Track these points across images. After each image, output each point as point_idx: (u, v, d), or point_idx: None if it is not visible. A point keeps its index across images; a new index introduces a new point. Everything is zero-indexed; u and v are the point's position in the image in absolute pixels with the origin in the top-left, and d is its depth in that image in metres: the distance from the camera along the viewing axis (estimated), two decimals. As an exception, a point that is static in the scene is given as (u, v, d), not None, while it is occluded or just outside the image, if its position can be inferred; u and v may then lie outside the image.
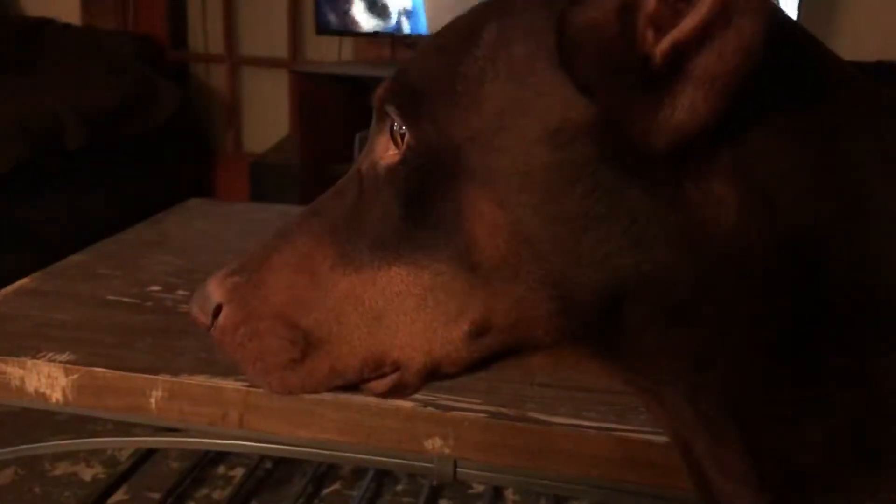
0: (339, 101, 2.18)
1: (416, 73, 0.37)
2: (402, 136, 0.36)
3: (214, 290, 0.40)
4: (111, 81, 2.19)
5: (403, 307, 0.36)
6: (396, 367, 0.37)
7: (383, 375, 0.38)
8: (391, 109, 0.36)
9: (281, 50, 2.53)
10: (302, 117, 2.19)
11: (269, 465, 1.28)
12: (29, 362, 0.82)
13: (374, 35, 2.24)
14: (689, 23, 0.29)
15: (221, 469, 1.28)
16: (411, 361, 0.37)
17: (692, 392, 0.34)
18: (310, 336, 0.38)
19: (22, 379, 0.83)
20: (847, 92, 0.33)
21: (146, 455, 1.26)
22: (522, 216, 0.32)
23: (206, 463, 1.28)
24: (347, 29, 2.22)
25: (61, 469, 1.27)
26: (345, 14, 2.18)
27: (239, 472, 1.26)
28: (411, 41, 2.19)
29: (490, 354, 0.36)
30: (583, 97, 0.31)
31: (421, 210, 0.35)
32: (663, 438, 0.70)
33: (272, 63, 2.54)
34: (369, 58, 2.42)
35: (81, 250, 1.14)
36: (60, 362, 0.81)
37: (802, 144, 0.31)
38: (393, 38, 2.29)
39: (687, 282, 0.32)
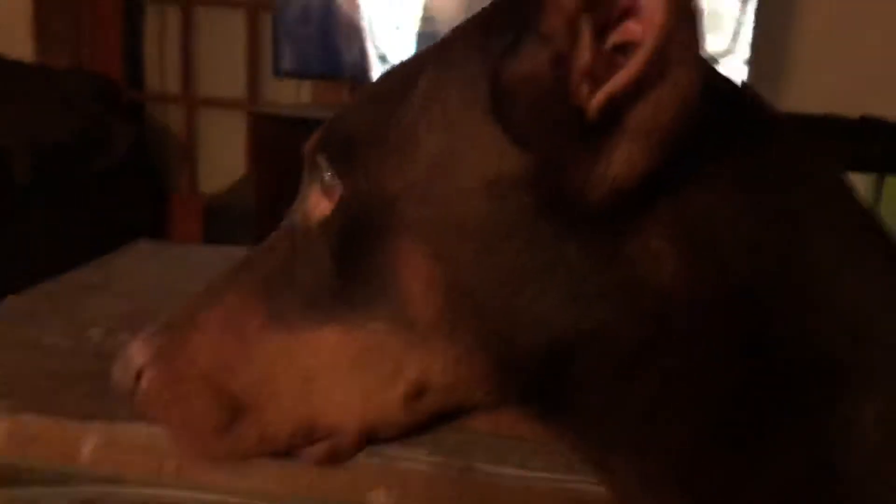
0: (296, 144, 2.16)
1: (350, 122, 0.36)
2: (334, 187, 0.35)
3: (137, 352, 0.38)
4: (63, 119, 2.16)
5: (337, 369, 0.34)
6: (330, 433, 0.35)
7: (317, 441, 0.36)
8: (322, 159, 0.35)
9: (239, 91, 2.52)
10: (259, 159, 2.18)
11: (212, 515, 1.24)
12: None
13: (332, 78, 2.24)
14: (624, 75, 0.28)
15: (163, 520, 1.23)
16: (346, 427, 0.35)
17: (636, 456, 0.33)
18: (238, 400, 0.36)
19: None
20: (782, 143, 0.33)
21: (84, 505, 1.21)
22: (458, 270, 0.31)
23: (146, 514, 1.23)
24: (305, 72, 2.22)
25: (-7, 520, 1.22)
26: (303, 57, 2.19)
27: (181, 524, 1.21)
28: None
29: (429, 417, 0.35)
30: (517, 149, 0.30)
31: (354, 265, 0.33)
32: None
33: (230, 104, 2.53)
34: (328, 101, 2.42)
35: (23, 291, 1.11)
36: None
37: (740, 197, 0.31)
38: (352, 83, 2.30)
39: (628, 339, 0.31)
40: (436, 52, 0.35)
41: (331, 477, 0.70)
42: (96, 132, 2.19)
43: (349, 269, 0.34)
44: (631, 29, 0.28)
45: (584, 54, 0.29)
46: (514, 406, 0.34)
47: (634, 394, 0.32)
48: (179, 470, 0.73)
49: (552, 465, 0.70)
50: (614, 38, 0.29)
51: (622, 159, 0.29)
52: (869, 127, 1.99)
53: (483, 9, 0.34)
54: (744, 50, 2.03)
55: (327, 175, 0.35)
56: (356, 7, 2.14)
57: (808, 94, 2.16)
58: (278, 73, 2.22)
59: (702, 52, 0.29)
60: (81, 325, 0.98)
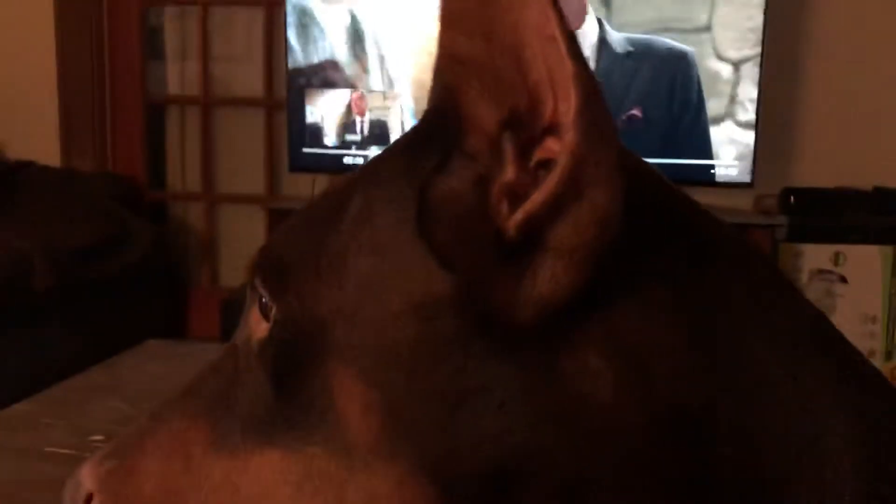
0: (312, 236, 2.20)
1: (284, 245, 0.36)
2: (270, 309, 0.34)
3: (86, 477, 0.38)
4: (85, 221, 2.22)
5: (279, 496, 0.33)
6: None
7: None
8: (258, 282, 0.35)
9: (257, 187, 2.57)
10: (276, 252, 2.20)
11: None
12: (-49, 523, 0.78)
13: (344, 172, 2.29)
14: (540, 195, 0.28)
15: None
16: None
17: None
18: None
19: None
20: (721, 256, 0.32)
21: None
22: (392, 393, 0.31)
23: None
24: (321, 167, 2.27)
25: None
26: (318, 152, 2.24)
27: None
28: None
29: None
30: (444, 270, 0.30)
31: (291, 388, 0.33)
32: None
33: (248, 199, 2.58)
34: (343, 193, 2.46)
35: (29, 398, 1.11)
36: (-17, 524, 0.77)
37: (676, 314, 0.30)
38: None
39: (569, 461, 0.30)
40: (367, 171, 0.35)
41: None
42: (118, 234, 2.24)
43: (285, 392, 0.33)
44: (550, 146, 0.28)
45: (508, 172, 0.29)
46: None
47: None
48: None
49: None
50: (538, 154, 0.28)
51: (546, 278, 0.29)
52: (882, 198, 1.98)
53: (410, 128, 0.34)
54: (742, 114, 2.05)
55: (263, 298, 0.35)
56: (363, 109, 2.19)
57: (819, 166, 2.16)
58: (294, 167, 2.27)
59: (618, 171, 0.28)
60: (83, 431, 0.98)
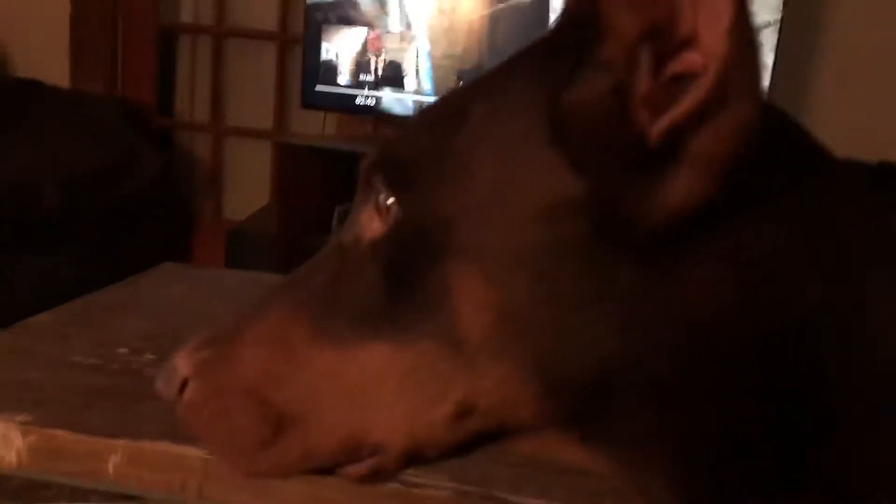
0: (320, 174, 2.20)
1: (406, 146, 0.37)
2: (388, 208, 0.35)
3: (181, 364, 0.39)
4: (94, 146, 2.20)
5: (384, 386, 0.34)
6: (375, 451, 0.36)
7: (360, 459, 0.36)
8: (378, 180, 0.36)
9: (266, 122, 2.56)
10: (283, 188, 2.21)
11: (227, 539, 1.24)
12: (-14, 421, 0.80)
13: (357, 112, 2.28)
14: (687, 104, 0.29)
15: (177, 542, 1.23)
16: (392, 444, 0.35)
17: (678, 485, 0.33)
18: (283, 415, 0.36)
19: (-24, 437, 0.81)
20: (834, 176, 0.34)
21: (100, 524, 1.22)
22: (511, 294, 0.32)
23: (162, 535, 1.23)
24: (332, 105, 2.26)
25: (10, 537, 1.22)
26: (331, 90, 2.22)
27: (195, 547, 1.21)
28: (394, 120, 2.23)
29: (473, 438, 0.35)
30: (576, 175, 0.31)
31: (406, 285, 0.34)
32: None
33: (257, 134, 2.57)
34: (352, 133, 2.46)
35: (51, 309, 1.12)
36: (17, 422, 0.79)
37: (793, 227, 0.32)
38: (376, 117, 2.33)
39: (677, 365, 0.31)
40: (491, 80, 0.36)
41: (352, 500, 0.70)
42: (125, 159, 2.23)
43: (400, 290, 0.34)
44: (690, 60, 0.29)
45: (644, 82, 0.30)
46: (557, 430, 0.34)
47: (679, 422, 0.32)
48: (202, 488, 0.74)
49: (570, 496, 0.70)
50: (672, 67, 0.29)
51: (680, 187, 0.30)
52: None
53: (540, 38, 0.35)
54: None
55: (382, 196, 0.36)
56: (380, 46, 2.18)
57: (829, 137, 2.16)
58: (307, 104, 2.26)
59: (761, 84, 0.29)
60: (108, 343, 0.99)
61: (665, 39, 0.29)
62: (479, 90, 0.36)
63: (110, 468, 0.76)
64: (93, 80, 2.53)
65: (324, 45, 2.20)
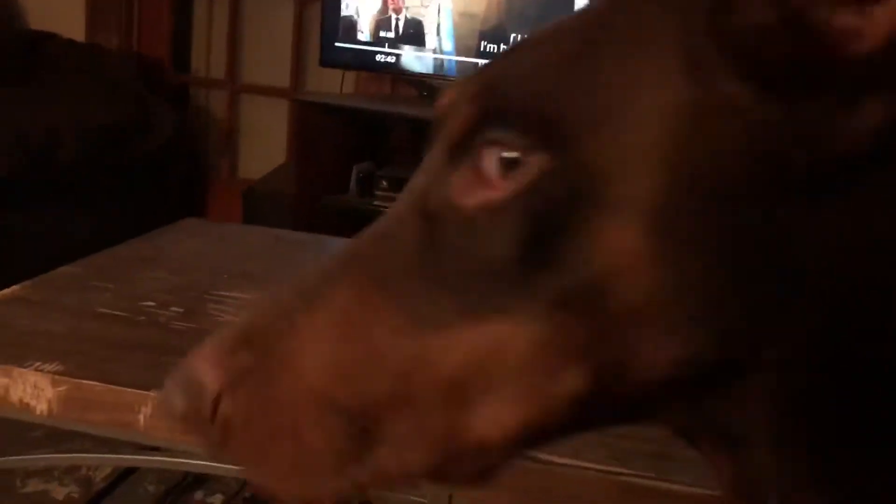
0: (337, 133, 2.18)
1: (530, 91, 0.31)
2: (519, 164, 0.30)
3: (209, 374, 0.31)
4: (110, 100, 2.19)
5: (499, 370, 0.30)
6: (481, 447, 0.30)
7: (464, 459, 0.31)
8: (503, 135, 0.30)
9: (283, 79, 2.54)
10: (300, 146, 2.19)
11: (248, 493, 1.25)
12: (15, 371, 0.80)
13: (377, 70, 2.25)
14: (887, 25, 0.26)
15: (199, 495, 1.24)
16: (501, 437, 0.30)
17: (787, 444, 0.30)
18: (369, 422, 0.30)
19: (6, 388, 0.81)
20: None
21: (122, 476, 1.23)
22: (676, 249, 0.28)
23: (184, 487, 1.24)
24: (351, 63, 2.23)
25: (33, 486, 1.23)
26: (350, 48, 2.20)
27: (217, 500, 1.22)
28: (412, 78, 2.21)
29: (588, 421, 0.32)
30: (760, 105, 0.28)
31: (539, 252, 0.29)
32: (665, 485, 0.68)
33: (273, 91, 2.54)
34: (370, 92, 2.43)
35: (72, 262, 1.12)
36: (48, 372, 0.79)
37: None
38: (393, 75, 2.30)
39: (831, 320, 0.28)
40: (615, 13, 0.32)
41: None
42: (141, 116, 2.22)
43: (531, 258, 0.29)
44: None
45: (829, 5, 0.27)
46: (676, 412, 0.32)
47: (814, 383, 0.29)
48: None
49: (604, 458, 0.70)
50: None
51: (877, 110, 0.27)
52: None
53: None
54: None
55: (503, 153, 0.30)
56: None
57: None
58: (325, 62, 2.23)
59: None
60: (133, 296, 0.99)
61: None
62: (604, 21, 0.32)
63: (141, 420, 0.76)
64: (108, 35, 2.50)
65: (344, 2, 2.17)
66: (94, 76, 2.29)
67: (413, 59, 2.17)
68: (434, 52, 2.14)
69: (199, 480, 1.24)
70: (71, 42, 2.38)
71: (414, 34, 2.16)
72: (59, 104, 2.06)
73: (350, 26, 2.18)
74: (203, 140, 2.63)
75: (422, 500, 0.74)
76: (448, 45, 2.13)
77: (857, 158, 0.28)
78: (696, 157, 0.29)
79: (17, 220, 1.85)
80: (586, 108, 0.30)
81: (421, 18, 2.15)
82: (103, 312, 0.94)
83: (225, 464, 0.73)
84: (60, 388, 0.78)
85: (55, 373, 0.79)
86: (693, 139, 0.29)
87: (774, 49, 0.28)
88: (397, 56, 2.17)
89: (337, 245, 0.75)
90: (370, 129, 2.30)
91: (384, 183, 2.07)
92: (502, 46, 2.05)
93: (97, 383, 0.77)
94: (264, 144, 2.59)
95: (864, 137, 0.28)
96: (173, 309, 0.95)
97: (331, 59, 2.22)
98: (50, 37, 2.36)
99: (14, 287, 1.01)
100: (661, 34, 0.30)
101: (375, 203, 2.03)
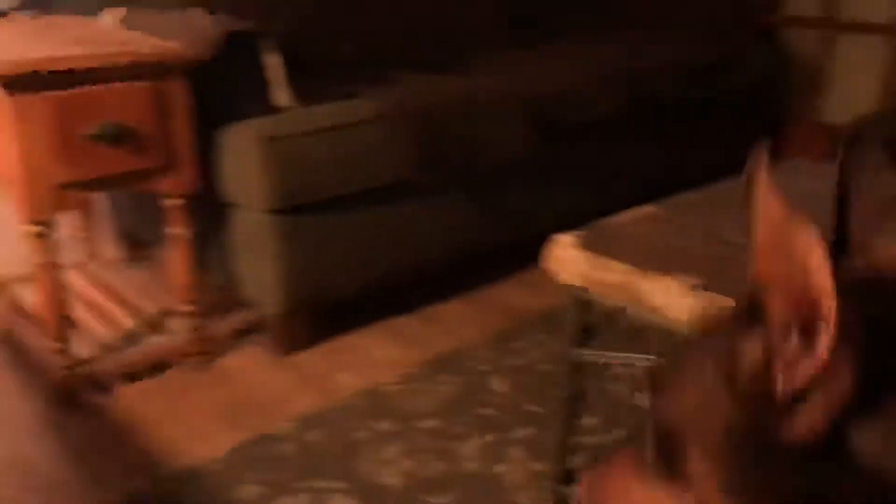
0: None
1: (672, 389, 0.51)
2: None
3: None
4: (705, 41, 2.26)
5: None
6: None
7: None
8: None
9: (879, 15, 2.32)
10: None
11: None
12: (660, 280, 0.91)
13: None
14: (805, 371, 0.41)
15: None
16: None
17: None
18: None
19: (651, 293, 0.92)
20: None
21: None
22: (719, 467, 0.46)
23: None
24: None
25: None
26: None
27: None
28: None
29: None
30: (739, 408, 0.45)
31: (669, 460, 0.51)
32: None
33: (871, 28, 2.35)
34: None
35: (691, 191, 1.21)
36: (689, 286, 0.88)
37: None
38: None
39: None
40: (698, 352, 0.50)
41: None
42: (735, 55, 2.25)
43: (665, 458, 0.51)
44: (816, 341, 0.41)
45: (789, 348, 0.42)
46: None
47: None
48: None
49: None
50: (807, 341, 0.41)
51: (812, 414, 0.41)
52: None
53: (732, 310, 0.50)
54: None
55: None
56: None
57: None
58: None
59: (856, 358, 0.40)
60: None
61: (806, 320, 0.41)
62: (699, 356, 0.49)
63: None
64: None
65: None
66: (686, 18, 2.39)
67: None
68: None
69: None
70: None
71: None
72: (655, 46, 2.20)
73: None
74: (788, 82, 2.56)
75: None
76: None
77: (813, 442, 0.42)
78: (717, 429, 0.46)
79: (622, 152, 2.06)
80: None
81: None
82: (728, 239, 1.01)
83: None
84: (701, 302, 0.87)
85: (696, 286, 0.88)
86: (716, 423, 0.46)
87: (754, 379, 0.44)
88: None
89: None
90: None
91: None
92: None
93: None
94: (858, 87, 2.42)
95: (799, 434, 0.42)
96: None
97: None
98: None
99: (645, 208, 1.14)
100: (709, 370, 0.48)
101: None
